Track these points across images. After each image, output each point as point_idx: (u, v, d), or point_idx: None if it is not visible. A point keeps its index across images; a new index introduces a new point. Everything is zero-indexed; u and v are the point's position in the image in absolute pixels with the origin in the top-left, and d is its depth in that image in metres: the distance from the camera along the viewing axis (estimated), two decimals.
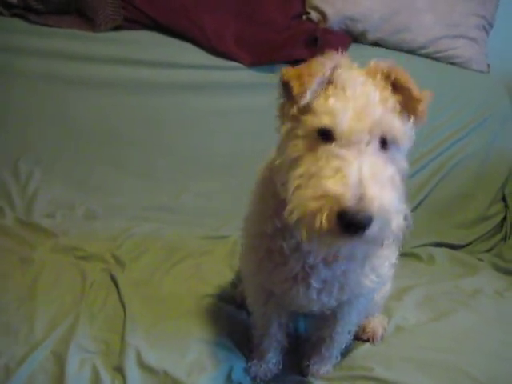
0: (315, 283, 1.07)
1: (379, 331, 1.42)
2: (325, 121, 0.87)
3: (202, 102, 2.25)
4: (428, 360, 1.32)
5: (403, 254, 1.96)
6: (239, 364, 1.28)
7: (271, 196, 1.01)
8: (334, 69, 0.92)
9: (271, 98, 2.13)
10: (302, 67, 0.93)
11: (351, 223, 0.78)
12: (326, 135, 0.87)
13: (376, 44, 2.37)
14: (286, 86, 0.94)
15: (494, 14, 2.43)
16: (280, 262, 1.08)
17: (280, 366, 1.32)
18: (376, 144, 0.87)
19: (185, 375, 1.20)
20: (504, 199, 2.26)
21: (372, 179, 0.81)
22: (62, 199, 2.04)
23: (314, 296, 1.09)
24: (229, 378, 1.24)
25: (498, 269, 1.94)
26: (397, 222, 0.84)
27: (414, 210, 2.16)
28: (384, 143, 0.88)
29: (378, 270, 1.10)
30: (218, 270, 1.71)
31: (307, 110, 0.91)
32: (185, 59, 2.26)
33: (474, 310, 1.59)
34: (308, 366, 1.30)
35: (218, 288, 1.59)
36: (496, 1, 2.41)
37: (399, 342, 1.42)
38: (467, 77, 2.38)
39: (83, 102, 2.20)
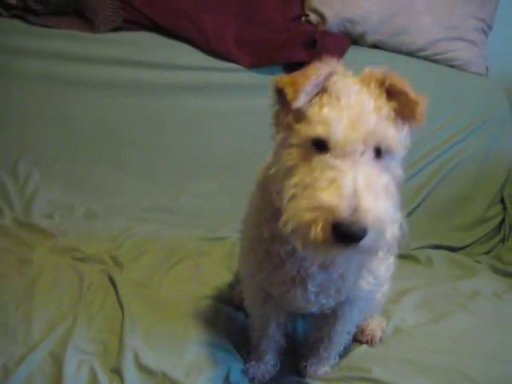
0: (312, 287, 1.08)
1: (378, 334, 1.42)
2: (319, 131, 0.87)
3: (202, 103, 2.25)
4: (426, 362, 1.32)
5: (401, 257, 1.96)
6: (237, 365, 1.28)
7: (268, 201, 1.01)
8: (329, 75, 0.92)
9: (270, 100, 2.14)
10: (296, 74, 0.93)
11: (346, 234, 0.79)
12: (320, 145, 0.87)
13: (375, 46, 2.37)
14: (280, 93, 0.93)
15: (493, 16, 2.43)
16: (278, 264, 1.08)
17: (278, 368, 1.32)
18: (370, 153, 0.87)
19: (183, 376, 1.20)
20: (502, 201, 2.26)
21: (366, 190, 0.81)
22: (60, 200, 2.04)
23: (312, 298, 1.10)
24: (227, 379, 1.23)
25: (496, 271, 1.94)
26: (391, 231, 0.84)
27: (412, 212, 2.16)
28: (378, 152, 0.88)
29: (375, 271, 1.11)
30: (217, 271, 1.71)
31: (301, 118, 0.91)
32: (184, 60, 2.26)
33: (473, 312, 1.59)
34: (306, 366, 1.30)
35: (217, 289, 1.59)
36: (495, 3, 2.42)
37: (397, 343, 1.42)
38: (466, 79, 2.38)
39: (82, 102, 2.21)
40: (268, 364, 1.30)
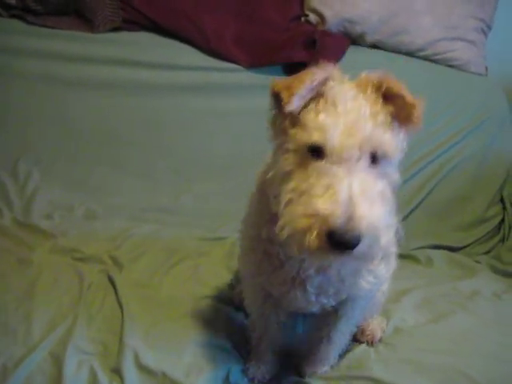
0: (311, 288, 1.08)
1: (378, 334, 1.42)
2: (315, 137, 0.87)
3: (201, 103, 2.25)
4: (426, 362, 1.32)
5: (401, 257, 1.95)
6: (237, 365, 1.28)
7: (267, 203, 1.01)
8: (325, 80, 0.92)
9: (269, 102, 2.12)
10: (291, 78, 0.93)
11: (340, 242, 0.80)
12: (316, 151, 0.87)
13: (374, 46, 2.37)
14: (276, 98, 0.93)
15: (493, 16, 2.43)
16: (277, 265, 1.08)
17: (278, 367, 1.32)
18: (366, 160, 0.87)
19: (183, 376, 1.20)
20: (502, 201, 2.26)
21: (362, 197, 0.82)
22: (60, 200, 2.04)
23: (312, 298, 1.10)
24: (227, 379, 1.24)
25: (495, 271, 1.94)
26: (386, 238, 0.85)
27: (412, 212, 2.17)
28: (374, 158, 0.88)
29: (375, 271, 1.11)
30: (216, 271, 1.71)
31: (298, 123, 0.91)
32: (184, 61, 2.26)
33: (472, 312, 1.59)
34: (305, 366, 1.30)
35: (216, 289, 1.59)
36: (494, 3, 2.42)
37: (397, 343, 1.42)
38: (465, 79, 2.38)
39: (82, 102, 2.20)
40: (268, 364, 1.30)
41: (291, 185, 0.88)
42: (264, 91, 2.31)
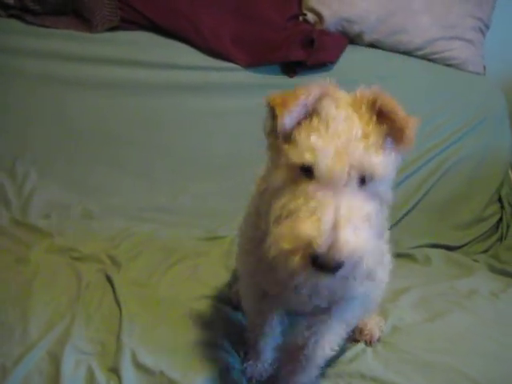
0: (304, 290, 1.08)
1: (376, 334, 1.42)
2: (306, 158, 0.88)
3: (200, 102, 2.25)
4: (424, 361, 1.32)
5: (399, 255, 1.97)
6: (235, 365, 1.28)
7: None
8: (319, 98, 0.92)
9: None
10: (287, 93, 0.93)
11: (323, 266, 0.82)
12: (307, 170, 0.88)
13: (372, 45, 2.37)
14: (272, 112, 0.94)
15: (491, 15, 2.44)
16: (273, 267, 1.08)
17: (276, 366, 1.32)
18: (354, 183, 0.88)
19: (180, 376, 1.20)
20: (500, 200, 2.26)
21: (346, 222, 0.83)
22: (58, 199, 2.03)
23: (306, 299, 1.10)
24: (225, 378, 1.23)
25: (493, 270, 1.94)
26: (371, 261, 0.86)
27: (410, 211, 2.17)
28: (363, 180, 0.89)
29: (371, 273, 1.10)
30: (215, 271, 1.71)
31: (291, 140, 0.92)
32: (182, 60, 2.26)
33: (470, 311, 1.60)
34: (280, 378, 1.24)
35: (215, 289, 1.59)
36: (492, 2, 2.42)
37: (396, 342, 1.42)
38: (463, 78, 2.38)
39: (80, 102, 2.20)
40: (265, 363, 1.30)
41: (281, 202, 0.91)
42: (262, 91, 2.32)
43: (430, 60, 2.38)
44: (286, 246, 0.85)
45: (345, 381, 1.26)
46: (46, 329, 1.31)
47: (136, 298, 1.48)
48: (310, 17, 2.35)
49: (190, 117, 2.23)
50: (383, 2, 2.31)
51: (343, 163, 0.86)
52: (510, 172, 2.35)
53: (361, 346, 1.40)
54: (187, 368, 1.23)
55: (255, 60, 2.25)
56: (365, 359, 1.34)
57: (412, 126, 0.91)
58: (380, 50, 2.37)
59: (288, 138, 0.92)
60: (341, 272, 0.83)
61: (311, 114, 0.92)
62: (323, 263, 0.82)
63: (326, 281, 0.87)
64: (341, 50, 2.30)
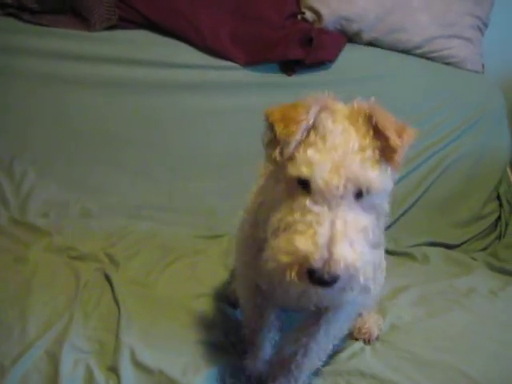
0: (292, 291, 1.07)
1: (375, 332, 1.42)
2: (303, 172, 0.89)
3: (198, 101, 2.24)
4: (423, 359, 1.32)
5: (398, 254, 1.98)
6: (234, 363, 1.28)
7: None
8: (318, 112, 0.93)
9: (266, 98, 2.13)
10: (286, 109, 0.94)
11: (319, 280, 0.84)
12: (304, 184, 0.90)
13: (371, 44, 2.37)
14: (271, 127, 0.95)
15: (489, 13, 2.44)
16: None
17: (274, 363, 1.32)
18: (351, 196, 0.89)
19: (180, 374, 1.20)
20: (498, 198, 2.27)
21: (342, 237, 0.85)
22: (56, 198, 2.03)
23: (294, 300, 1.10)
24: (223, 377, 1.23)
25: (492, 268, 1.94)
26: (366, 274, 0.87)
27: (408, 209, 2.18)
28: (360, 194, 0.90)
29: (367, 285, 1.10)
30: (213, 269, 1.71)
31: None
32: (180, 59, 2.26)
33: (469, 309, 1.60)
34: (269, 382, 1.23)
35: (213, 288, 1.59)
36: (491, 0, 2.42)
37: (394, 340, 1.42)
38: (462, 77, 2.38)
39: (78, 101, 2.20)
40: (264, 359, 1.29)
41: (279, 215, 0.92)
42: (261, 89, 2.33)
43: (428, 58, 2.38)
44: (283, 259, 0.87)
45: (344, 379, 1.26)
46: (44, 328, 1.31)
47: (134, 296, 1.48)
48: (309, 15, 2.35)
49: (189, 115, 2.23)
50: (382, 0, 2.31)
51: (340, 177, 0.87)
52: (508, 170, 2.35)
53: (359, 344, 1.40)
54: (186, 366, 1.23)
55: (254, 58, 2.25)
56: (364, 357, 1.34)
57: (402, 150, 0.92)
58: (378, 49, 2.37)
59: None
60: (336, 285, 0.85)
61: (309, 128, 0.92)
62: (319, 278, 0.84)
63: (322, 292, 0.89)
64: (339, 49, 2.29)
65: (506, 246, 2.07)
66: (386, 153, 0.92)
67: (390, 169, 0.94)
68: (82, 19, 2.26)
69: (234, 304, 1.48)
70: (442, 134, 2.28)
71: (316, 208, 0.87)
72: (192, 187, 2.15)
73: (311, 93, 0.96)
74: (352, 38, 2.36)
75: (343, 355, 1.35)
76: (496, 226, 2.22)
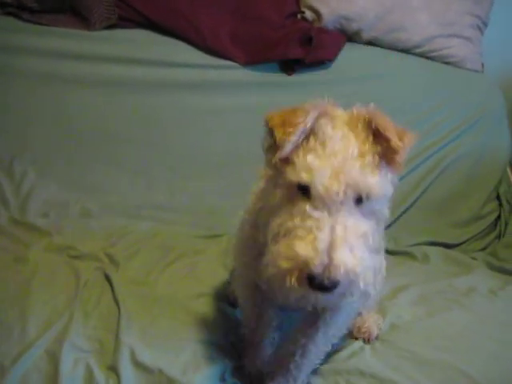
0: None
1: (375, 331, 1.42)
2: (303, 178, 0.89)
3: (198, 100, 2.24)
4: (423, 358, 1.32)
5: (398, 253, 1.98)
6: (233, 362, 1.28)
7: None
8: (317, 118, 0.93)
9: (266, 97, 2.14)
10: (286, 114, 0.94)
11: (319, 286, 0.85)
12: (304, 189, 0.90)
13: (370, 43, 2.37)
14: (271, 132, 0.95)
15: (489, 13, 2.44)
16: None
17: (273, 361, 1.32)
18: (351, 202, 0.89)
19: (179, 374, 1.20)
20: (498, 198, 2.27)
21: (342, 242, 0.85)
22: (56, 198, 2.03)
23: (293, 301, 1.10)
24: (223, 376, 1.23)
25: (491, 267, 1.94)
26: (366, 279, 0.88)
27: (408, 208, 2.18)
28: (359, 199, 0.90)
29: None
30: (213, 269, 1.71)
31: (288, 160, 0.93)
32: (180, 58, 2.25)
33: (469, 308, 1.60)
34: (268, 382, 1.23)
35: (213, 287, 1.59)
36: (490, 0, 2.42)
37: (394, 340, 1.42)
38: (461, 76, 2.38)
39: (78, 100, 2.20)
40: (263, 358, 1.29)
41: (278, 220, 0.93)
42: (261, 88, 2.33)
43: (428, 58, 2.38)
44: (283, 265, 0.87)
45: (343, 378, 1.26)
46: (44, 327, 1.31)
47: (134, 296, 1.48)
48: (308, 14, 2.34)
49: (188, 115, 2.23)
50: None
51: (340, 183, 0.87)
52: (508, 170, 2.35)
53: (359, 343, 1.40)
54: (186, 366, 1.23)
55: (253, 58, 2.25)
56: (363, 356, 1.34)
57: (403, 151, 0.92)
58: (378, 48, 2.37)
59: (286, 159, 0.93)
60: (336, 291, 0.85)
61: (308, 133, 0.93)
62: (319, 283, 0.84)
63: (323, 298, 0.89)
64: (339, 48, 2.29)
65: (506, 246, 2.07)
66: (387, 155, 0.93)
67: (390, 173, 0.95)
68: (82, 18, 2.26)
69: (234, 303, 1.48)
70: (441, 133, 2.28)
71: (316, 213, 0.88)
72: (192, 187, 2.15)
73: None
74: (352, 37, 2.36)
75: (343, 354, 1.35)
76: (496, 225, 2.22)
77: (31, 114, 2.17)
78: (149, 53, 2.25)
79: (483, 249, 2.13)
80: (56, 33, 2.23)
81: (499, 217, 2.22)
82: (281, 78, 2.25)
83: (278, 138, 0.92)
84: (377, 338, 1.42)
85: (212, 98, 2.25)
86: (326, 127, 0.92)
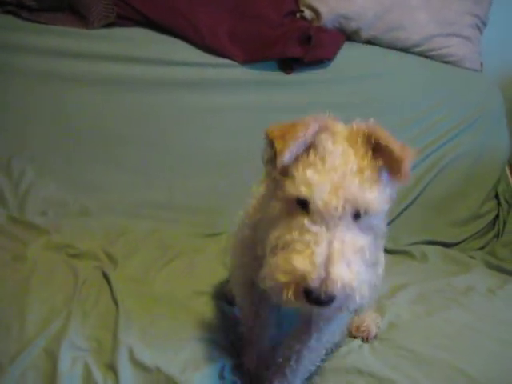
0: None
1: (373, 330, 1.43)
2: (302, 192, 0.90)
3: (196, 99, 2.24)
4: (422, 357, 1.32)
5: (396, 252, 1.98)
6: (232, 360, 1.28)
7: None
8: (317, 132, 0.93)
9: (265, 96, 2.13)
10: (286, 127, 0.94)
11: (315, 300, 0.85)
12: (303, 203, 0.90)
13: (369, 42, 2.37)
14: (271, 144, 0.95)
15: (488, 12, 2.44)
16: (262, 265, 1.09)
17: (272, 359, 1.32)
18: (349, 217, 0.90)
19: (178, 372, 1.20)
20: (497, 197, 2.27)
21: (339, 257, 0.86)
22: (55, 196, 2.03)
23: None
24: (222, 374, 1.23)
25: (490, 266, 1.95)
26: (362, 293, 0.88)
27: (407, 207, 2.18)
28: (357, 214, 0.91)
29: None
30: (211, 267, 1.71)
31: (288, 173, 0.93)
32: (178, 56, 2.25)
33: (467, 307, 1.60)
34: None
35: (212, 286, 1.59)
36: None
37: (393, 339, 1.42)
38: (460, 75, 2.39)
39: (76, 99, 2.19)
40: (262, 356, 1.30)
41: (277, 233, 0.93)
42: (259, 87, 2.33)
43: (427, 57, 2.38)
44: (280, 278, 0.88)
45: (342, 376, 1.26)
46: (42, 326, 1.30)
47: (133, 294, 1.48)
48: (307, 13, 2.35)
49: (187, 113, 2.23)
50: None
51: (338, 198, 0.88)
52: (506, 169, 2.35)
53: (358, 342, 1.41)
54: (185, 364, 1.22)
55: (252, 56, 2.25)
56: (362, 355, 1.34)
57: (407, 160, 0.93)
58: (377, 47, 2.37)
59: (285, 170, 0.93)
60: (333, 305, 0.86)
61: (308, 147, 0.93)
62: (316, 297, 0.85)
63: (318, 311, 0.91)
64: (338, 47, 2.29)
65: (504, 245, 2.07)
66: (392, 166, 0.93)
67: (389, 188, 0.96)
68: (80, 17, 2.25)
69: (232, 302, 1.48)
70: (440, 132, 2.28)
71: (314, 228, 0.88)
72: (191, 185, 2.15)
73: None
74: (351, 36, 2.36)
75: (341, 353, 1.35)
76: (494, 224, 2.22)
77: (29, 112, 2.17)
78: (147, 51, 2.25)
79: (482, 248, 2.13)
80: (54, 31, 2.22)
81: (498, 216, 2.23)
82: (279, 76, 2.25)
83: (278, 150, 0.92)
84: (375, 336, 1.43)
85: (210, 97, 2.25)
86: (327, 142, 0.93)
